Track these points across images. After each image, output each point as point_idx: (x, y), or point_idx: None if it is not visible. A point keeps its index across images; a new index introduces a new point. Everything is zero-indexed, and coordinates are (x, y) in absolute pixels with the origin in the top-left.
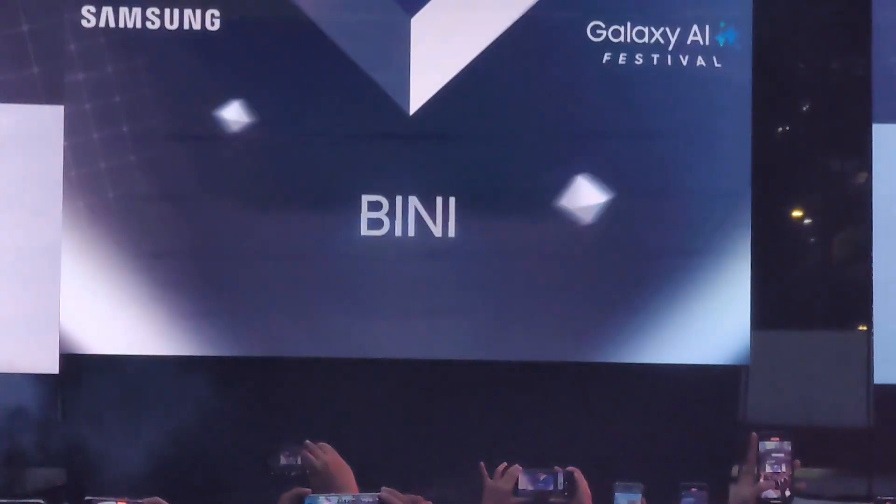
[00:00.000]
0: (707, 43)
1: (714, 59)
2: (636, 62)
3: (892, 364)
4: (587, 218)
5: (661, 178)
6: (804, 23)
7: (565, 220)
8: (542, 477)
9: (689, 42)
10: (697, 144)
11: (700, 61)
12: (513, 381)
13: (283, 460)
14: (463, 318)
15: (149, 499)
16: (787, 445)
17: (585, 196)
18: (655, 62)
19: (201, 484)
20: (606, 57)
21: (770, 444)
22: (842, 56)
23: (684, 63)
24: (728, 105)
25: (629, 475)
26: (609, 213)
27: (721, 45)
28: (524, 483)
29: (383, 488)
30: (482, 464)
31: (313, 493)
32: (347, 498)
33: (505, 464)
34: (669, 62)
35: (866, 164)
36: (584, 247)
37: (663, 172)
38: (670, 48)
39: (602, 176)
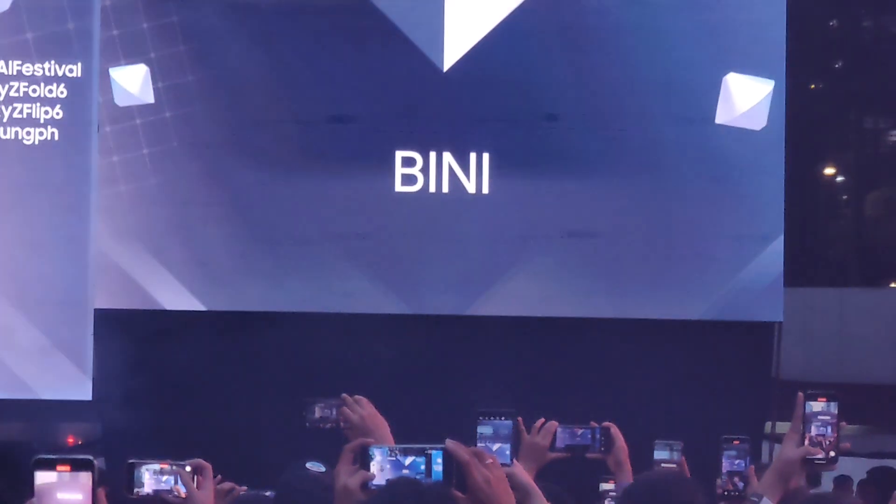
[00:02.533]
0: None
1: None
2: None
3: None
4: (625, 172)
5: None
6: None
7: (602, 176)
8: (580, 432)
9: None
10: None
11: None
12: (546, 337)
13: (317, 413)
14: (496, 275)
15: (191, 460)
16: (834, 407)
17: (621, 150)
18: None
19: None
20: None
21: (816, 406)
22: None
23: None
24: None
25: (664, 431)
26: (641, 165)
27: None
28: (561, 439)
29: (448, 440)
30: (519, 419)
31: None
32: (411, 447)
33: (542, 420)
34: None
35: None
36: (621, 203)
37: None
38: None
39: (639, 129)
